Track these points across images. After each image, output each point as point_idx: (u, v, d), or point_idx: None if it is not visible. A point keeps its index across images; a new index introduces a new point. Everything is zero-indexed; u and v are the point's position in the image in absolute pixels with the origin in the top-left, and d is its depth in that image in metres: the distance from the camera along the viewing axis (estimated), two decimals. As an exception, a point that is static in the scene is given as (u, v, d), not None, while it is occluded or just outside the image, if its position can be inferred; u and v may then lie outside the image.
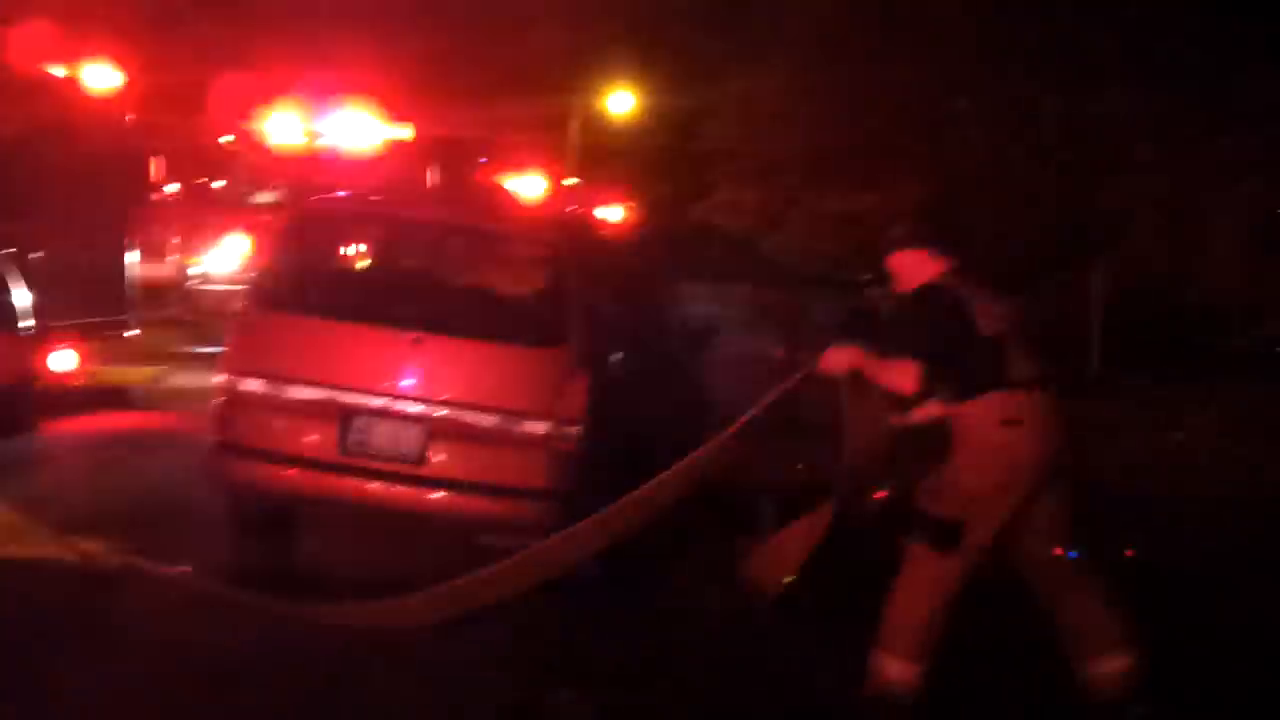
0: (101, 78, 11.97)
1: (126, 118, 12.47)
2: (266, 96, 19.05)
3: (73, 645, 5.91)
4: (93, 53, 11.86)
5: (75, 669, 5.63)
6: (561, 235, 8.80)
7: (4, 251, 10.56)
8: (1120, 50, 18.69)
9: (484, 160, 22.72)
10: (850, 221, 22.90)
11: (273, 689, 5.65)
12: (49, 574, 6.96)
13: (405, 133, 20.16)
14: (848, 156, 22.29)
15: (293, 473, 7.36)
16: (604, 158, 28.12)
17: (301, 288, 7.81)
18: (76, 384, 11.41)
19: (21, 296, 10.57)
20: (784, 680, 6.34)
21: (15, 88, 10.62)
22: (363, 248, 8.62)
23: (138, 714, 5.36)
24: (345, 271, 8.67)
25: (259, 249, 16.88)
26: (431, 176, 18.60)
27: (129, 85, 12.28)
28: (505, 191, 15.48)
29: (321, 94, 19.22)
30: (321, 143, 18.94)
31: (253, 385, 7.44)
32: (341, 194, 9.39)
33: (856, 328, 22.56)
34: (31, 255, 10.78)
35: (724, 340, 10.29)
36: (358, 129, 19.25)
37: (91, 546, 7.26)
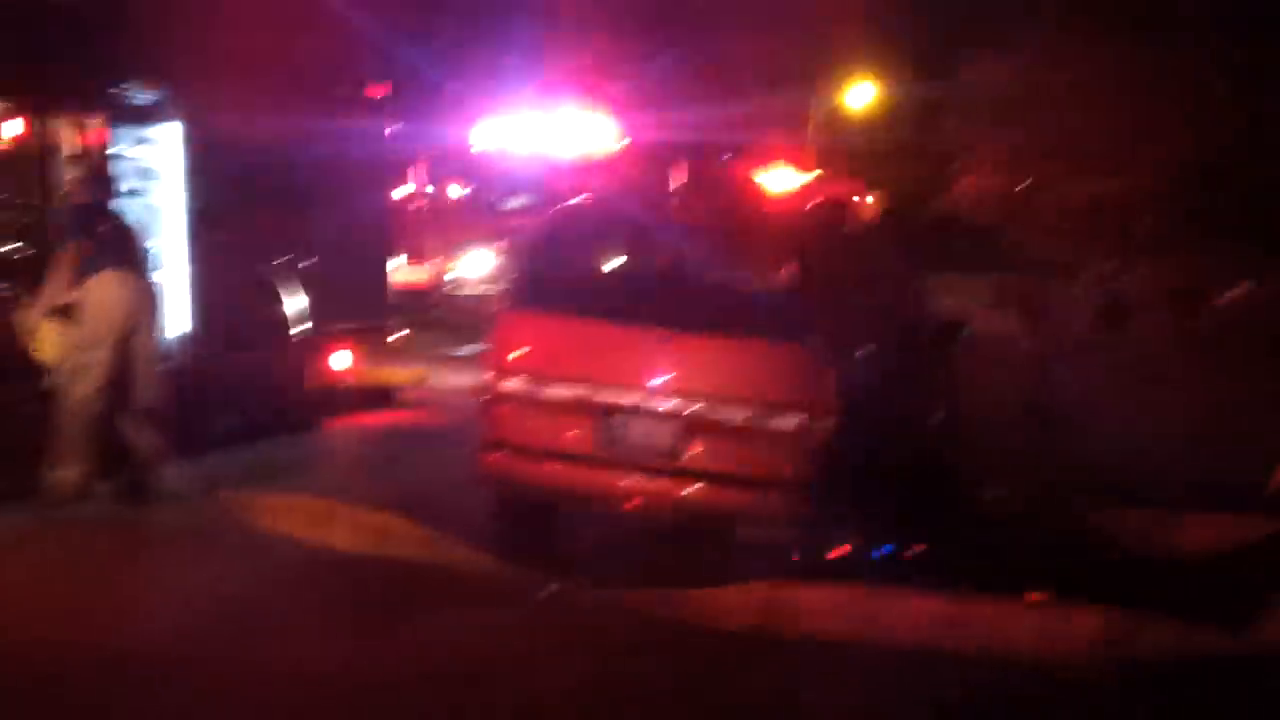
0: (367, 87, 12.53)
1: (388, 126, 12.97)
2: (513, 103, 19.60)
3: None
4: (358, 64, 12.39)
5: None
6: (807, 230, 8.91)
7: (283, 259, 11.17)
8: None
9: (727, 158, 22.89)
10: (1097, 208, 22.38)
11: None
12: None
13: (648, 134, 20.47)
14: (1093, 141, 21.78)
15: (554, 467, 7.67)
16: (846, 152, 28.00)
17: (556, 289, 8.11)
18: (349, 385, 11.99)
19: (300, 302, 11.21)
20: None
21: (287, 101, 11.13)
22: (614, 248, 8.86)
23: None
24: (598, 272, 8.93)
25: (511, 253, 17.39)
26: (675, 177, 18.87)
27: (391, 93, 12.79)
28: (750, 187, 15.59)
29: (564, 99, 19.67)
30: (566, 148, 19.37)
31: (514, 384, 7.78)
32: (592, 197, 9.65)
33: (1112, 316, 22.07)
34: (305, 262, 11.36)
35: (970, 332, 10.20)
36: (601, 132, 19.63)
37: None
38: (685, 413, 7.55)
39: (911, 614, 6.49)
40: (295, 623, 6.32)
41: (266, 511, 7.92)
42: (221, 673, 5.70)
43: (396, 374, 13.22)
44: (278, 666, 5.77)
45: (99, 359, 8.43)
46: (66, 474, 8.32)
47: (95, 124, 9.62)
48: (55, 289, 8.47)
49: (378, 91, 12.68)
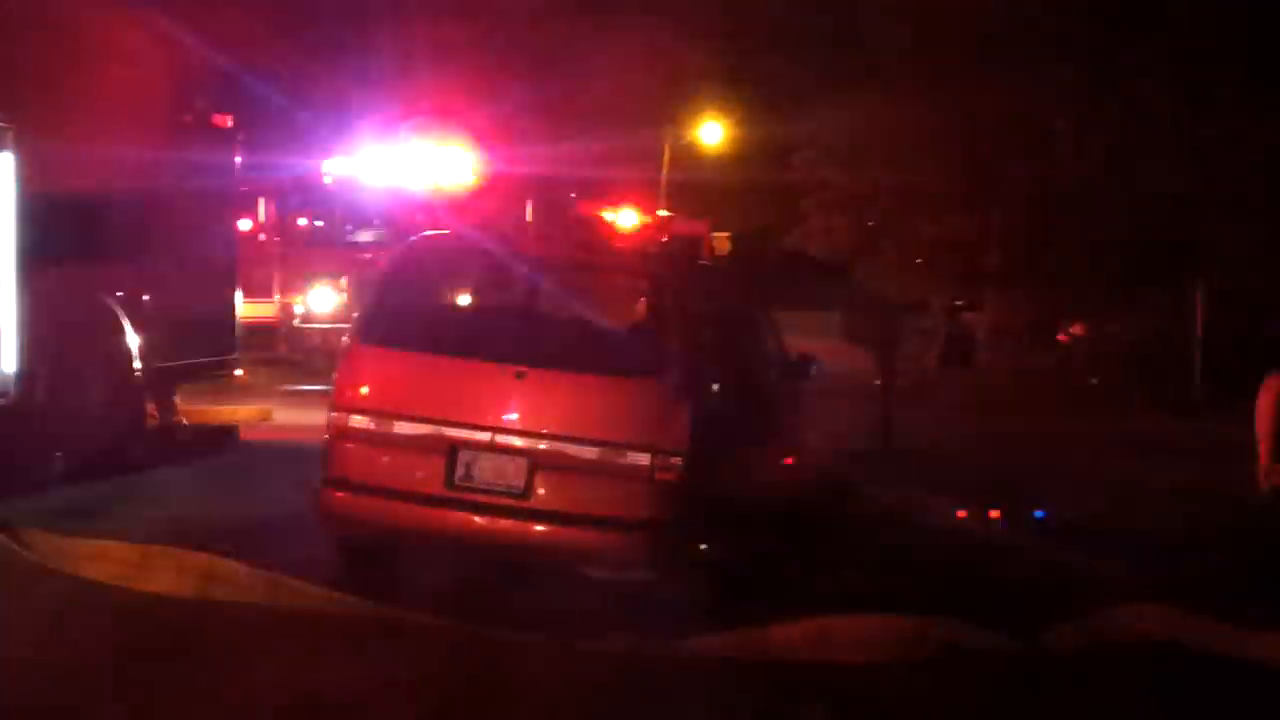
0: (211, 120, 12.26)
1: (235, 159, 12.72)
2: (366, 135, 19.37)
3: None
4: (202, 94, 12.13)
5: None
6: (659, 267, 8.91)
7: (115, 295, 10.83)
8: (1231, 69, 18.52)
9: (573, 195, 22.90)
10: (944, 247, 22.83)
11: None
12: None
13: (501, 169, 20.40)
14: (940, 182, 22.24)
15: (400, 506, 7.50)
16: (696, 189, 28.25)
17: (407, 324, 7.96)
18: (191, 422, 11.66)
19: (132, 339, 10.86)
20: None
21: (127, 131, 10.87)
22: (466, 284, 8.76)
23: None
24: (449, 307, 8.80)
25: (361, 287, 17.16)
26: (528, 213, 18.82)
27: (236, 126, 12.55)
28: (603, 225, 15.60)
29: (418, 132, 19.51)
30: (419, 181, 19.19)
31: (360, 421, 7.60)
32: (444, 231, 9.55)
33: (954, 352, 22.52)
34: (147, 296, 11.04)
35: (820, 368, 10.34)
36: (455, 166, 19.50)
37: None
38: (538, 449, 7.44)
39: (784, 635, 6.77)
40: (128, 672, 6.01)
41: (81, 556, 7.50)
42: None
43: (240, 411, 12.91)
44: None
45: None
46: None
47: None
48: None
49: (224, 121, 12.41)
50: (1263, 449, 7.77)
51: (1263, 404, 7.73)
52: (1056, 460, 13.53)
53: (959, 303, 23.72)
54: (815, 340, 18.85)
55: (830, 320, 22.56)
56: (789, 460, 10.00)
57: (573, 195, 23.66)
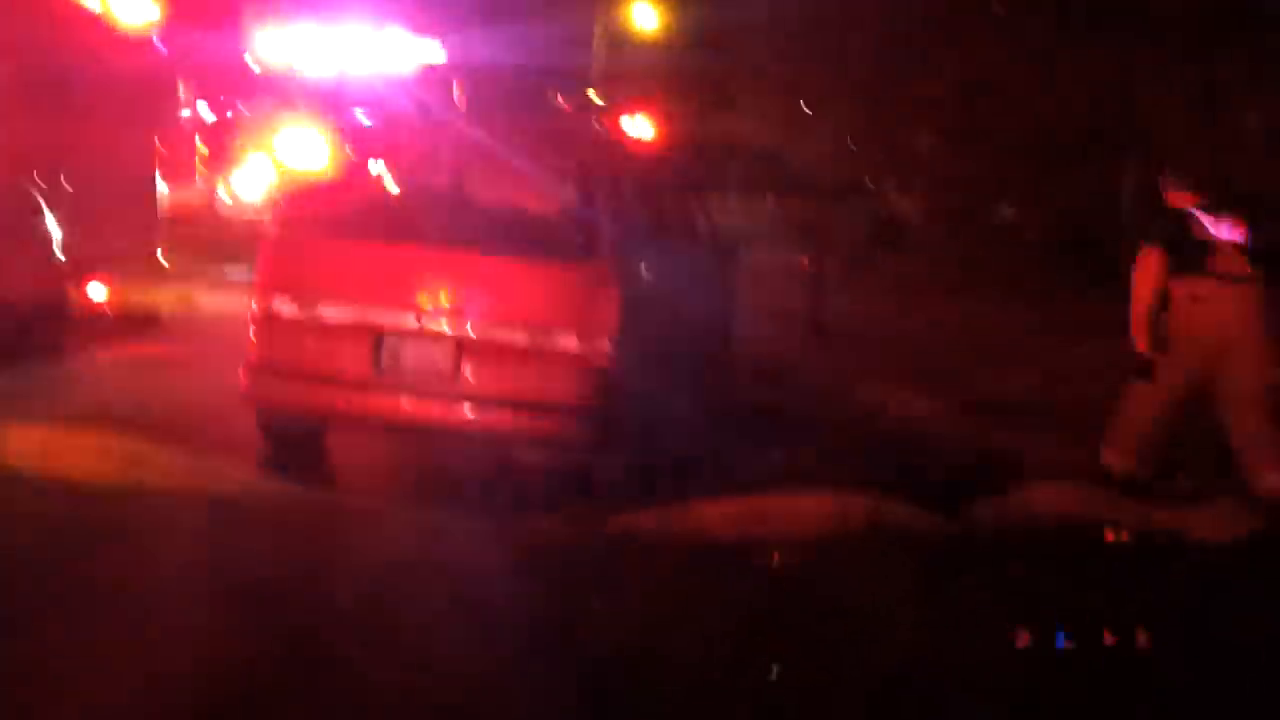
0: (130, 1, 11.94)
1: (155, 39, 12.42)
2: (294, 15, 18.99)
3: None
4: None
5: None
6: (590, 151, 8.81)
7: (34, 180, 10.61)
8: None
9: (511, 79, 22.62)
10: (870, 130, 22.77)
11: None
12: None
13: (433, 54, 20.08)
14: (871, 63, 22.13)
15: (326, 391, 7.46)
16: (629, 74, 27.97)
17: (331, 208, 7.87)
18: (108, 310, 11.50)
19: (51, 225, 10.66)
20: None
21: (42, 14, 10.59)
22: (391, 167, 8.63)
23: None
24: (374, 191, 8.69)
25: (286, 171, 16.94)
26: (459, 97, 18.57)
27: (157, 5, 12.23)
28: (533, 108, 15.42)
29: (350, 14, 19.15)
30: (350, 64, 18.87)
31: (285, 307, 7.52)
32: (369, 113, 9.41)
33: (884, 236, 22.57)
34: (62, 183, 10.82)
35: (750, 252, 10.35)
36: (385, 50, 19.18)
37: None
38: (464, 334, 7.40)
39: (716, 513, 6.85)
40: (44, 554, 5.94)
41: (1, 440, 7.39)
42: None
43: (162, 297, 12.74)
44: (39, 602, 5.43)
45: None
46: None
47: None
48: None
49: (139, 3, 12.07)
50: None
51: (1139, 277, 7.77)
52: (979, 341, 13.71)
53: (884, 187, 23.76)
54: (747, 224, 18.91)
55: (761, 206, 22.56)
56: (718, 343, 10.02)
57: (509, 80, 23.35)
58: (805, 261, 15.20)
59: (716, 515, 6.84)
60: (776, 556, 6.41)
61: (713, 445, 8.16)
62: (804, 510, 6.91)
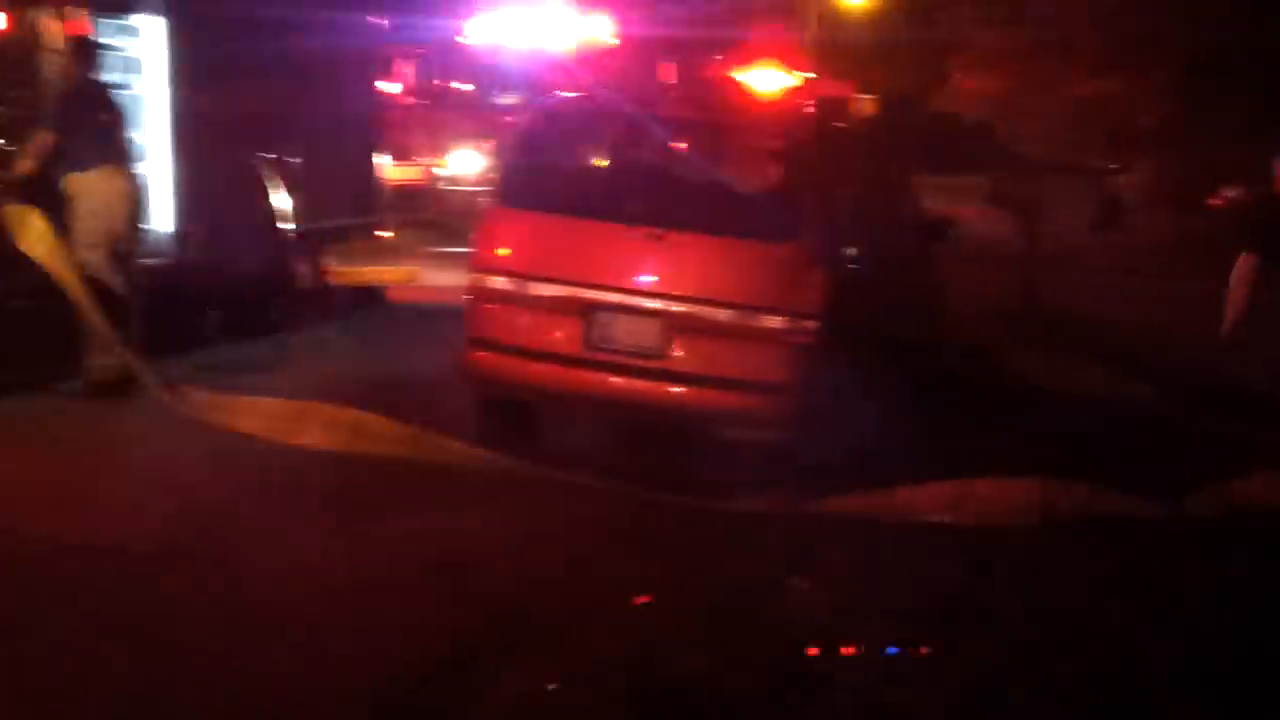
0: None
1: (381, 22, 12.77)
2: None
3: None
4: None
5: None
6: (797, 129, 8.84)
7: (265, 157, 11.05)
8: None
9: (718, 56, 22.65)
10: (1093, 108, 22.22)
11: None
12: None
13: (639, 30, 20.21)
14: (1091, 39, 21.58)
15: (539, 366, 7.65)
16: (839, 49, 27.73)
17: (543, 186, 8.04)
18: (338, 283, 11.92)
19: (282, 200, 11.11)
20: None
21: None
22: (602, 145, 8.78)
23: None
24: (585, 169, 8.85)
25: (502, 150, 17.28)
26: (665, 74, 18.66)
27: None
28: (741, 86, 15.43)
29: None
30: (559, 42, 19.12)
31: (499, 283, 7.73)
32: (578, 92, 9.55)
33: (1104, 216, 22.01)
34: (294, 157, 11.25)
35: (959, 232, 10.22)
36: (594, 27, 19.39)
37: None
38: (672, 311, 7.52)
39: (923, 497, 6.92)
40: (275, 520, 6.29)
41: (236, 410, 7.82)
42: (219, 569, 5.66)
43: (386, 272, 13.14)
44: (270, 562, 5.76)
45: (95, 257, 8.38)
46: (103, 362, 8.27)
47: (78, 15, 9.43)
48: (25, 167, 8.30)
49: None
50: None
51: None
52: (1199, 324, 13.26)
53: (1111, 166, 23.13)
54: (961, 205, 18.62)
55: (974, 184, 22.19)
56: (924, 323, 9.95)
57: (718, 57, 23.36)
58: (1019, 243, 14.94)
59: (924, 499, 6.84)
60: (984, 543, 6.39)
61: (919, 426, 8.14)
62: (1014, 496, 6.84)
